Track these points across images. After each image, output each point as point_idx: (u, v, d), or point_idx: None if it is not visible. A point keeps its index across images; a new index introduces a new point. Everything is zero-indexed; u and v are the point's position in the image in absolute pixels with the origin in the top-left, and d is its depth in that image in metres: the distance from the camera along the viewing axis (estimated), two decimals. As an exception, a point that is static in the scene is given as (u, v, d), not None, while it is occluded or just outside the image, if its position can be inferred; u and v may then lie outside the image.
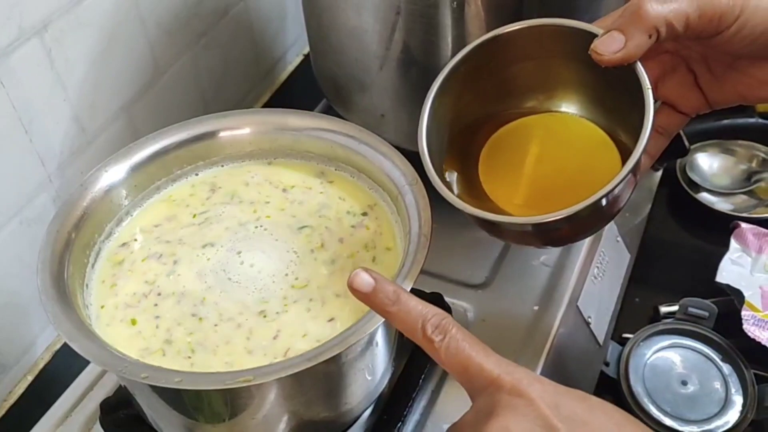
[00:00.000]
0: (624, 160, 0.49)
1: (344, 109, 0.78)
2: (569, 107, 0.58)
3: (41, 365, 0.76)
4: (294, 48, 1.10)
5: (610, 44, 0.49)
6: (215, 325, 0.53)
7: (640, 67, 0.50)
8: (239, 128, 0.62)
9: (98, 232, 0.57)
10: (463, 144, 0.58)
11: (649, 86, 0.49)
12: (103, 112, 0.77)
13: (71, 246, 0.53)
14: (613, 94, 0.54)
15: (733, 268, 0.83)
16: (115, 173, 0.58)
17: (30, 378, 0.75)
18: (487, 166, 0.58)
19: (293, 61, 1.10)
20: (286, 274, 0.56)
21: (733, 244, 0.85)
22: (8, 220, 0.69)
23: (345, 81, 0.76)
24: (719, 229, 0.90)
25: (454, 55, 0.66)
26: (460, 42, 0.66)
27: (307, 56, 1.11)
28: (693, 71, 0.57)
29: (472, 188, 0.57)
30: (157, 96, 0.84)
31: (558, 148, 0.59)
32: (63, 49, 0.70)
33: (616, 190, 0.48)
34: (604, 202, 0.49)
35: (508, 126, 0.59)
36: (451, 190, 0.52)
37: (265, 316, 0.53)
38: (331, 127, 0.61)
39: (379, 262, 0.57)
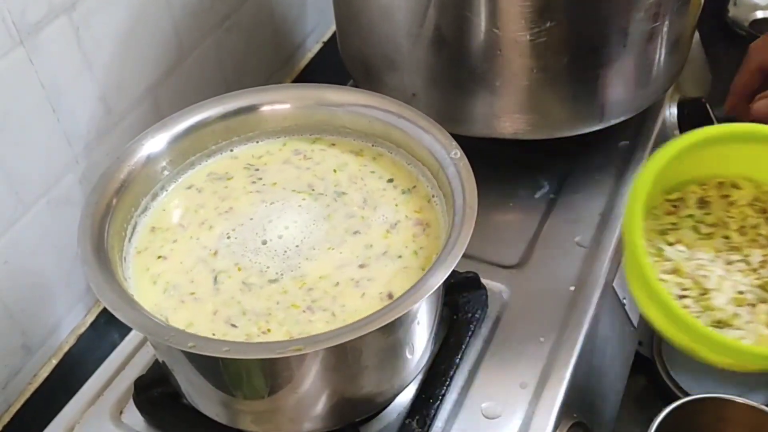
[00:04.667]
0: None
1: (373, 89, 0.76)
2: None
3: (66, 349, 0.75)
4: (313, 35, 1.09)
5: None
6: (256, 298, 0.52)
7: None
8: (279, 102, 0.61)
9: (134, 206, 0.57)
10: None
11: None
12: (129, 93, 0.76)
13: (111, 217, 0.52)
14: None
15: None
16: (152, 146, 0.57)
17: (54, 361, 0.74)
18: None
19: (313, 49, 1.10)
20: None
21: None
22: (35, 201, 0.68)
23: (374, 60, 0.75)
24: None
25: (487, 30, 0.66)
26: (494, 18, 0.65)
27: (326, 44, 1.10)
28: None
29: None
30: (182, 78, 0.83)
31: None
32: (90, 27, 0.69)
33: None
34: None
35: None
36: None
37: (304, 284, 0.53)
38: (370, 102, 0.60)
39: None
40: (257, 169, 0.61)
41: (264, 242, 0.56)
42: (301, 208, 0.58)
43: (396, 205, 0.58)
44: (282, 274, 0.54)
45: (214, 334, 0.50)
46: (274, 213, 0.58)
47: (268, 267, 0.54)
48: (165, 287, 0.54)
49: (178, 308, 0.52)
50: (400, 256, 0.55)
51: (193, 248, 0.56)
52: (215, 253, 0.56)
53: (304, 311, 0.52)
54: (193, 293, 0.53)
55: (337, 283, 0.53)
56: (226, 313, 0.52)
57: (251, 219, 0.58)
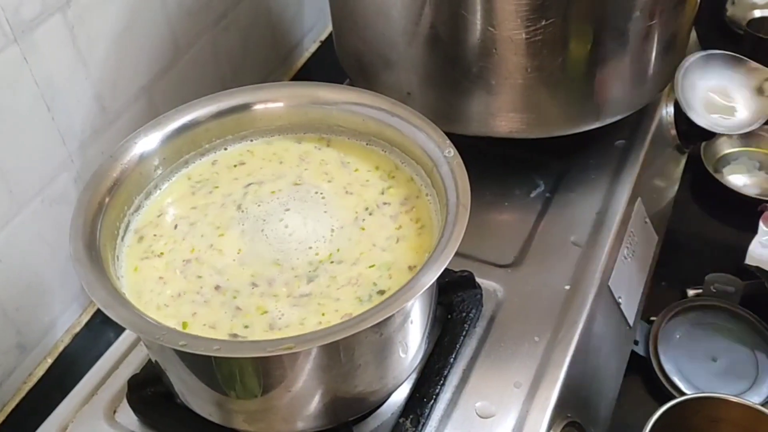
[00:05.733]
0: None
1: (368, 87, 0.76)
2: None
3: (61, 348, 0.75)
4: (311, 34, 1.09)
5: None
6: (249, 295, 0.52)
7: None
8: (272, 101, 0.61)
9: (127, 205, 0.56)
10: None
11: None
12: (124, 92, 0.76)
13: (103, 215, 0.52)
14: None
15: (764, 251, 0.82)
16: (145, 144, 0.57)
17: (50, 361, 0.74)
18: None
19: (310, 48, 1.09)
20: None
21: (762, 227, 0.84)
22: (30, 199, 0.68)
23: (370, 58, 0.75)
24: (744, 213, 0.89)
25: (483, 29, 0.66)
26: (490, 16, 0.65)
27: (323, 43, 1.10)
28: None
29: None
30: (178, 77, 0.83)
31: None
32: (85, 26, 0.69)
33: None
34: None
35: None
36: None
37: (221, 251, 0.55)
38: (363, 100, 0.60)
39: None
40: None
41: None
42: (321, 240, 0.56)
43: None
44: (227, 231, 0.56)
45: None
46: (318, 216, 0.58)
47: (242, 215, 0.57)
48: (159, 286, 0.54)
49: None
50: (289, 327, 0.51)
51: (188, 244, 0.56)
52: (208, 247, 0.57)
53: (197, 287, 0.53)
54: (182, 292, 0.54)
55: (217, 286, 0.53)
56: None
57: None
